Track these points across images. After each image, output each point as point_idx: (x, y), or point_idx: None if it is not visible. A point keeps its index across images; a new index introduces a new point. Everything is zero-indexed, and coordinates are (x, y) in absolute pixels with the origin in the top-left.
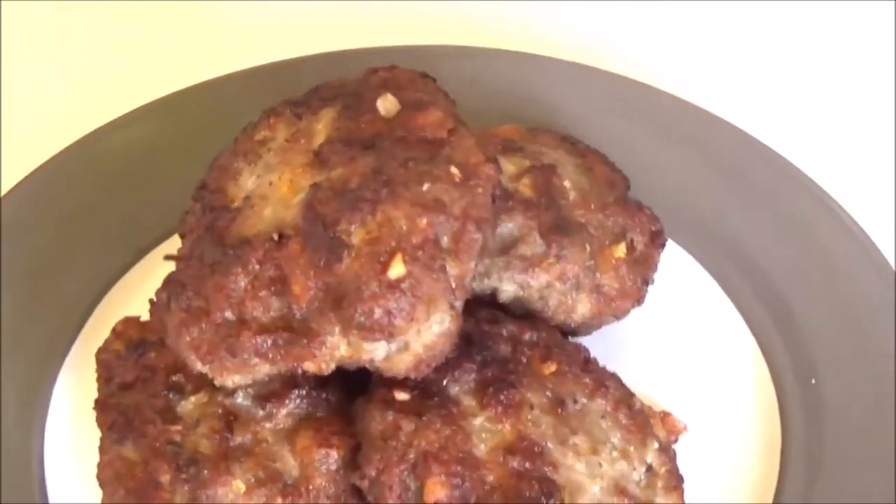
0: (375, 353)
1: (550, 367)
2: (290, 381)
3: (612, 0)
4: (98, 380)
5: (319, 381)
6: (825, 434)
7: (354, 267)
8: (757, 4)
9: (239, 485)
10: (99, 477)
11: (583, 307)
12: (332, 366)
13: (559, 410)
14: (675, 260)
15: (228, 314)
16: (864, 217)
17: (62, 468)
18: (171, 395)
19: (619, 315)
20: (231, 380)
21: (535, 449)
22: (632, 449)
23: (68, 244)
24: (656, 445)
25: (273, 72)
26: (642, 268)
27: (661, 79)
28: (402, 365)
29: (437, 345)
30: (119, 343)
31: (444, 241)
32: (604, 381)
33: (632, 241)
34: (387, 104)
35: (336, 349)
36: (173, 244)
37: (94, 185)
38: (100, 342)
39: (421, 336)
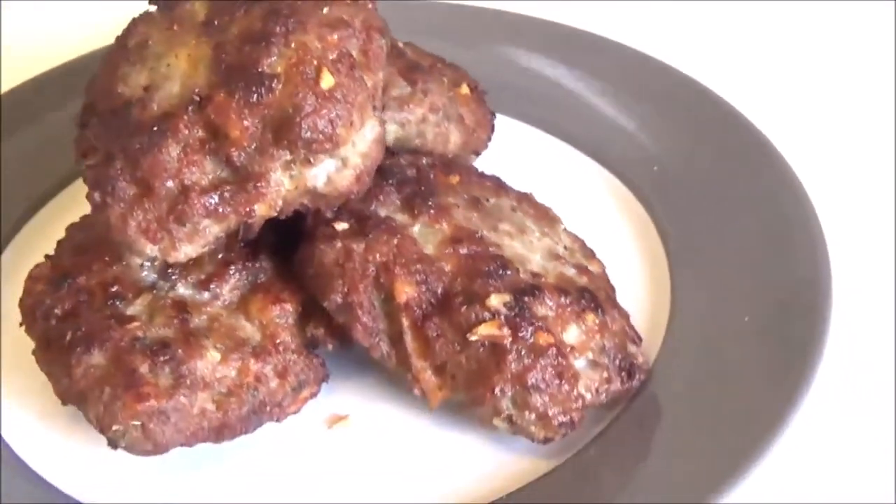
0: (317, 179)
1: (455, 178)
2: (223, 262)
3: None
4: (31, 326)
5: (251, 253)
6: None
7: (288, 90)
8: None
9: (214, 354)
10: (75, 391)
11: (454, 136)
12: (280, 203)
13: (479, 206)
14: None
15: (170, 185)
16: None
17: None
18: (118, 303)
19: (479, 148)
20: (183, 252)
21: (476, 236)
22: (546, 230)
23: None
24: (563, 227)
25: None
26: (484, 105)
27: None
28: (344, 182)
29: (372, 152)
30: (40, 284)
31: (354, 55)
32: (501, 184)
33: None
34: None
35: (280, 186)
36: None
37: None
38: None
39: (356, 147)
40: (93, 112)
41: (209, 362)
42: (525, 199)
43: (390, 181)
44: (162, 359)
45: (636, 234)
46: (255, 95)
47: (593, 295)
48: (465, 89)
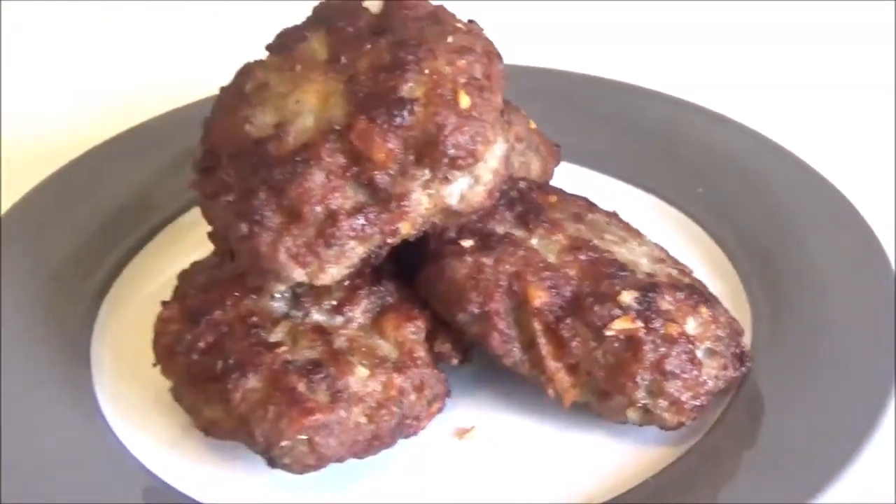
0: (452, 196)
1: (553, 198)
2: (352, 287)
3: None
4: (169, 364)
5: (375, 278)
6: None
7: (429, 111)
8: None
9: (362, 370)
10: (236, 415)
11: (535, 164)
12: (420, 221)
13: (582, 220)
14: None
15: (318, 210)
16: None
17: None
18: (260, 332)
19: (549, 176)
20: (330, 274)
21: (591, 244)
22: (640, 239)
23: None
24: (649, 238)
25: None
26: (548, 139)
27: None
28: (477, 198)
29: (500, 169)
30: (174, 325)
31: (479, 77)
32: (590, 203)
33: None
34: (374, 2)
35: (420, 205)
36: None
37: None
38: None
39: (488, 163)
40: (216, 155)
41: (359, 378)
42: (613, 215)
43: (501, 201)
44: (318, 377)
45: (690, 245)
46: (398, 119)
47: (701, 291)
48: (532, 123)
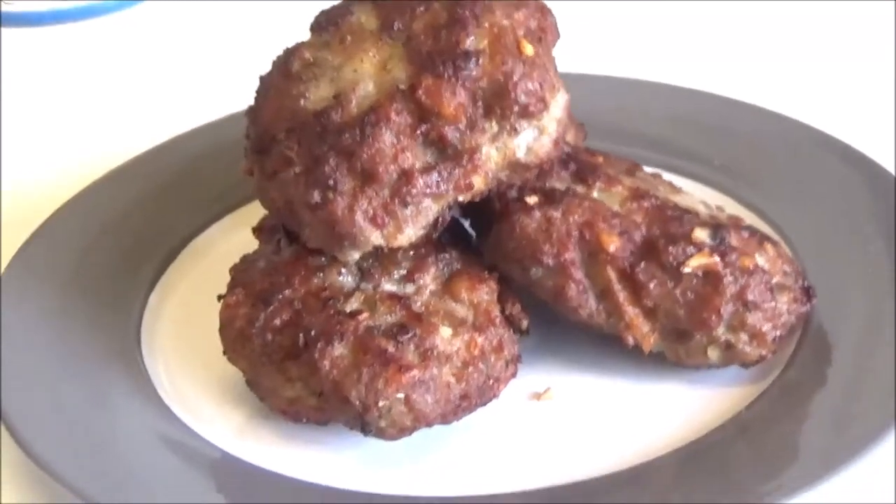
0: (520, 149)
1: (599, 158)
2: (419, 255)
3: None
4: (241, 349)
5: (438, 246)
6: None
7: (496, 61)
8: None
9: (446, 329)
10: (329, 383)
11: (570, 135)
12: (491, 176)
13: (634, 174)
14: None
15: (392, 169)
16: None
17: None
18: (336, 304)
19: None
20: (406, 235)
21: (650, 193)
22: (689, 193)
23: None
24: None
25: None
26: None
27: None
28: (543, 149)
29: (563, 118)
30: (243, 308)
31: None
32: (635, 163)
33: None
34: None
35: (490, 160)
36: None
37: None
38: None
39: (551, 113)
40: (271, 135)
41: (443, 337)
42: (657, 175)
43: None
44: (405, 337)
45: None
46: (465, 71)
47: (761, 230)
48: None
